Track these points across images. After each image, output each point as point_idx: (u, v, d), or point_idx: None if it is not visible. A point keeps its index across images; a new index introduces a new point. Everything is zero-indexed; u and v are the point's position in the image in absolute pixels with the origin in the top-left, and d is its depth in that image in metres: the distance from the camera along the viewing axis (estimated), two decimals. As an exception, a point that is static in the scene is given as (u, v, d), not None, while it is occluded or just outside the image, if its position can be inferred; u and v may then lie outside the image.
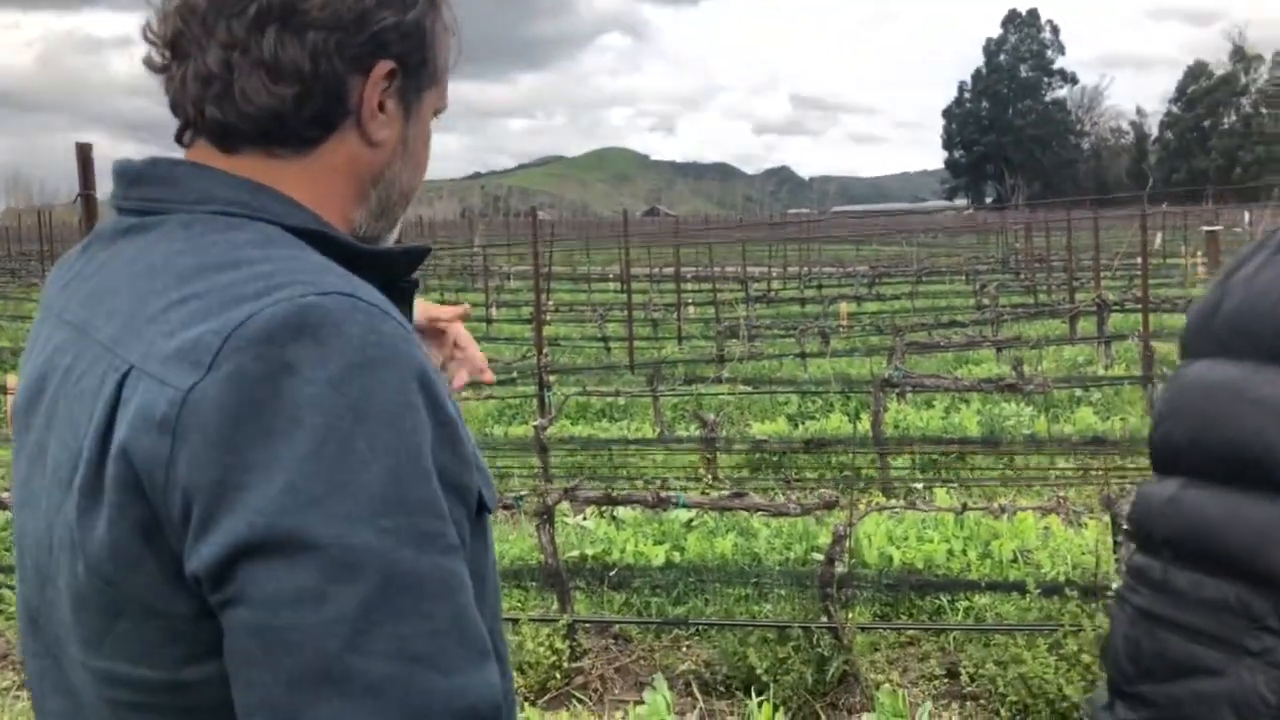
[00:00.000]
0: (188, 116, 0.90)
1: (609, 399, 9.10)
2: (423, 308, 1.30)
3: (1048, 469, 7.34)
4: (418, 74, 0.94)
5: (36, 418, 0.88)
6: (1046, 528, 5.28)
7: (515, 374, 10.36)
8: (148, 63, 0.91)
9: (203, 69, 0.86)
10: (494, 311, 17.11)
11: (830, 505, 3.93)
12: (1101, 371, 10.20)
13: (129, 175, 0.90)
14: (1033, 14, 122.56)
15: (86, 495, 0.78)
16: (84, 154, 4.02)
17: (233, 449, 0.72)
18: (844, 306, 14.59)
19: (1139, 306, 10.37)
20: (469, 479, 0.83)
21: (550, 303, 17.01)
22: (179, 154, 0.93)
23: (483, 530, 0.91)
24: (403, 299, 0.94)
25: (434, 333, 1.32)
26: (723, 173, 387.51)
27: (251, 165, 0.89)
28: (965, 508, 4.44)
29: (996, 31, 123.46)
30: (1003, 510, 4.41)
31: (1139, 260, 11.88)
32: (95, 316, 0.84)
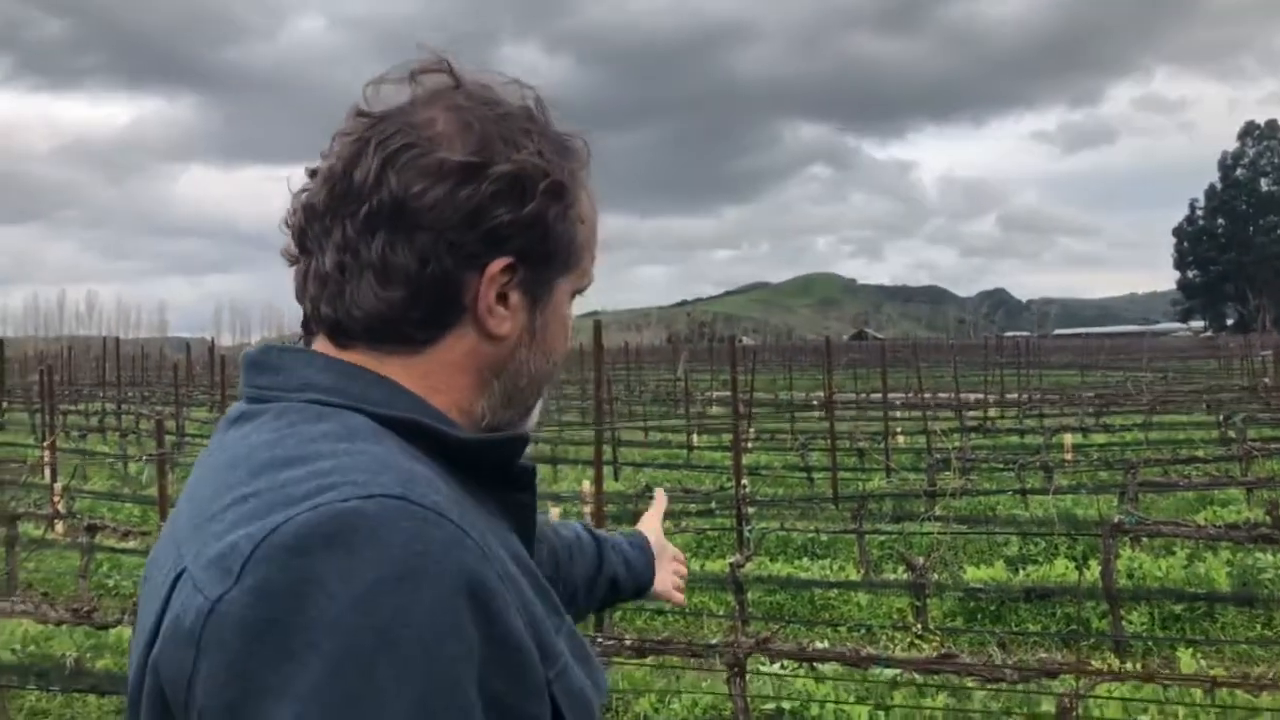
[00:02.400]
0: (307, 311, 0.91)
1: (810, 534, 8.77)
2: (652, 522, 1.50)
3: (1316, 632, 6.43)
4: (544, 265, 0.90)
5: (140, 603, 0.88)
6: (1320, 707, 4.55)
7: (714, 505, 10.19)
8: (285, 254, 0.93)
9: (320, 269, 0.87)
10: (695, 438, 17.07)
11: (1053, 674, 3.53)
12: (1377, 518, 8.97)
13: (248, 362, 0.91)
14: (1272, 125, 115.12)
15: (131, 709, 0.77)
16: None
17: (246, 672, 0.67)
18: (1068, 438, 13.58)
19: None
20: (535, 709, 0.74)
21: (751, 430, 16.83)
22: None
23: None
24: (519, 486, 0.90)
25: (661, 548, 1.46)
26: (933, 295, 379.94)
27: (362, 361, 0.88)
28: (1216, 682, 3.87)
29: (1230, 145, 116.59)
30: (1262, 687, 3.81)
31: None
32: (186, 506, 0.84)
